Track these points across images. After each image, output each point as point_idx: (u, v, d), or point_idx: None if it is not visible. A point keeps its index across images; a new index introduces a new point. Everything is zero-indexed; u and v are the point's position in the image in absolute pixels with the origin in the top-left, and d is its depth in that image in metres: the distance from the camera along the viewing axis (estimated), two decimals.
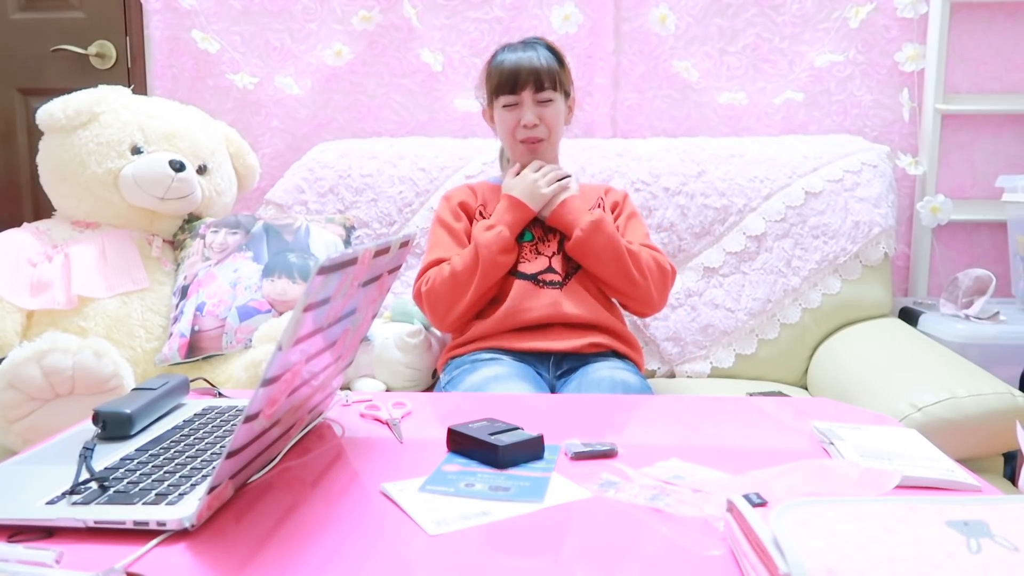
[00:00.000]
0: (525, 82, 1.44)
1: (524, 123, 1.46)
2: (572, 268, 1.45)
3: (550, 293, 1.41)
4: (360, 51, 2.10)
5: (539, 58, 1.46)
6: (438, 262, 1.44)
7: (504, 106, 1.47)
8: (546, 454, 0.82)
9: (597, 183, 1.66)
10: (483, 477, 0.76)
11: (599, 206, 1.53)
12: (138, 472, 0.73)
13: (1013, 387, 1.28)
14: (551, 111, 1.47)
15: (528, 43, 1.50)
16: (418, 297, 1.45)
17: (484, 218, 1.49)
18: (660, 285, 1.45)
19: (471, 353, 1.41)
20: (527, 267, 1.44)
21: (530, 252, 1.46)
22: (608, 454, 0.83)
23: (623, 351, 1.44)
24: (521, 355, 1.39)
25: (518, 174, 1.47)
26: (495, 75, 1.48)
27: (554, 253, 1.46)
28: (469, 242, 1.46)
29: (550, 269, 1.44)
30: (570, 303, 1.41)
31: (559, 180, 1.46)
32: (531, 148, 1.49)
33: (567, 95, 1.51)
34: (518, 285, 1.41)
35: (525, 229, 1.46)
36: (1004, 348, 1.60)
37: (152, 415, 0.89)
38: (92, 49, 2.20)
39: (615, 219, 1.53)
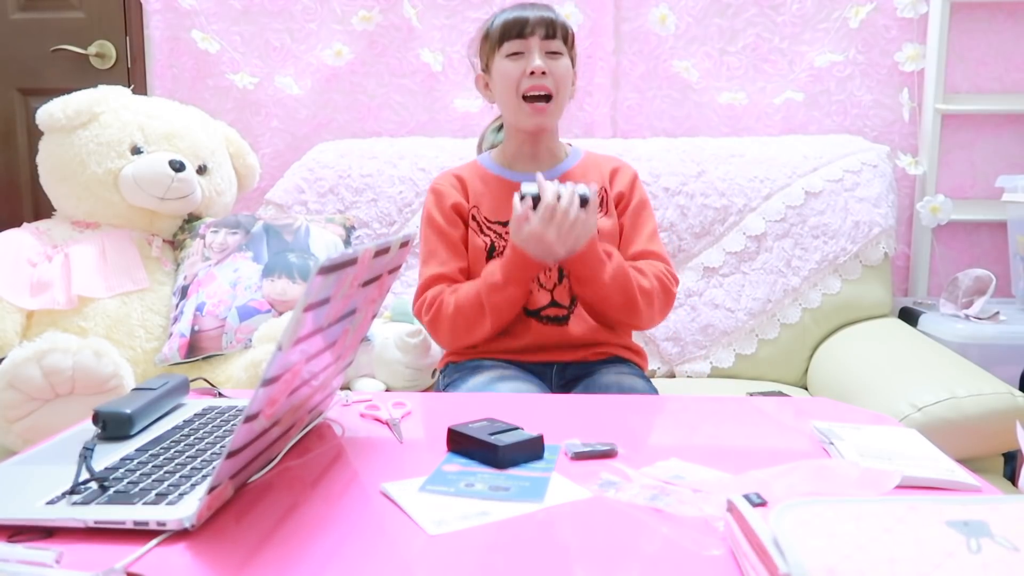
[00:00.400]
0: (535, 27, 1.33)
1: (532, 69, 1.31)
2: (574, 294, 1.37)
3: (555, 329, 1.36)
4: (360, 51, 2.10)
5: (547, 11, 1.37)
6: (436, 278, 1.35)
7: (508, 55, 1.33)
8: (546, 454, 0.82)
9: (605, 155, 1.51)
10: (483, 477, 0.76)
11: (601, 198, 1.40)
12: (138, 472, 0.73)
13: (1013, 387, 1.28)
14: (560, 66, 1.33)
15: (531, 3, 1.40)
16: (418, 317, 1.38)
17: (478, 222, 1.39)
18: (661, 308, 1.37)
19: (472, 359, 1.39)
20: (529, 300, 1.35)
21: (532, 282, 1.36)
22: (608, 454, 0.83)
23: (628, 356, 1.43)
24: (524, 365, 1.38)
25: (534, 206, 1.21)
26: (499, 25, 1.36)
27: (556, 284, 1.37)
28: (466, 250, 1.38)
29: (553, 303, 1.36)
30: (576, 328, 1.36)
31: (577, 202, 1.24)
32: (536, 109, 1.33)
33: (572, 63, 1.40)
34: (521, 322, 1.35)
35: None
36: (1004, 348, 1.60)
37: (152, 415, 0.89)
38: (92, 49, 2.20)
39: (621, 214, 1.42)
